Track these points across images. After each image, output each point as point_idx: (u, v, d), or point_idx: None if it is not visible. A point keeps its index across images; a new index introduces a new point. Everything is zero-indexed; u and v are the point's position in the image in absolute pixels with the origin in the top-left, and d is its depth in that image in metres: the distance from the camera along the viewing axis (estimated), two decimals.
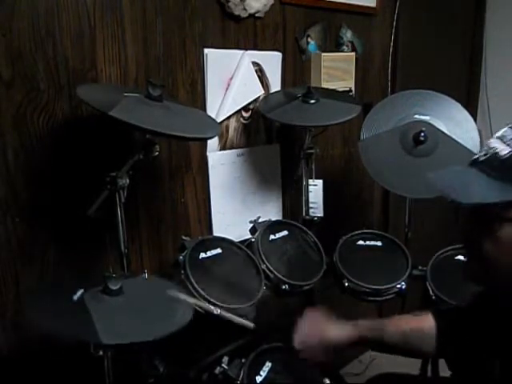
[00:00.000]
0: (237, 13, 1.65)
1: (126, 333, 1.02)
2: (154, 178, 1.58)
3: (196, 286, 1.32)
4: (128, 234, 1.33)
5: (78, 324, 1.01)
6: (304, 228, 1.76)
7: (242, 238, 1.67)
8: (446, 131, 1.74)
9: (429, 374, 1.74)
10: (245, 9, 1.66)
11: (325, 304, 1.28)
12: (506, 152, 0.81)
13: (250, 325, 1.27)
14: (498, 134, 0.85)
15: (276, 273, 1.52)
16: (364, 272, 1.64)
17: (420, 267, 1.69)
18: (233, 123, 1.76)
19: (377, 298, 1.65)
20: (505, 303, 0.92)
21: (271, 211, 1.95)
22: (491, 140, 0.85)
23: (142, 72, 1.47)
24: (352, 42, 2.18)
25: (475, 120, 1.87)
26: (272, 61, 1.85)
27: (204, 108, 1.65)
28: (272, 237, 1.66)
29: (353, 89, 2.18)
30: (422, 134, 1.67)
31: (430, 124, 1.73)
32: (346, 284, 1.62)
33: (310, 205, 1.83)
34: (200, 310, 1.25)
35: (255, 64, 1.78)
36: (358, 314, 1.22)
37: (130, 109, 1.16)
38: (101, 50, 1.37)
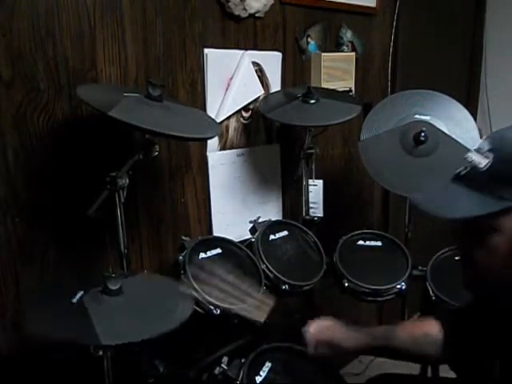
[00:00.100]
0: (237, 13, 1.65)
1: (125, 333, 1.02)
2: (154, 178, 1.58)
3: (196, 286, 1.31)
4: (128, 234, 1.33)
5: (78, 326, 1.01)
6: (304, 228, 1.76)
7: (242, 238, 1.67)
8: (446, 131, 1.74)
9: (429, 374, 1.74)
10: (245, 9, 1.66)
11: (325, 304, 1.28)
12: (484, 164, 0.83)
13: (261, 320, 1.26)
14: (475, 146, 0.88)
15: (276, 273, 1.52)
16: (364, 272, 1.64)
17: (420, 267, 1.69)
18: (233, 123, 1.76)
19: (377, 299, 1.65)
20: (503, 305, 0.92)
21: (271, 211, 1.95)
22: (469, 154, 0.87)
23: (142, 72, 1.47)
24: (352, 42, 2.18)
25: (475, 120, 1.87)
26: (272, 61, 1.85)
27: (204, 108, 1.65)
28: (272, 237, 1.66)
29: (353, 89, 2.18)
30: (423, 134, 1.67)
31: (430, 124, 1.73)
32: (346, 284, 1.62)
33: (310, 205, 1.83)
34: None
35: (255, 64, 1.78)
36: (357, 314, 1.23)
37: (130, 109, 1.16)
38: (101, 50, 1.37)
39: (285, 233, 1.70)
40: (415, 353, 1.15)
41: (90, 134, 1.38)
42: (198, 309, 1.30)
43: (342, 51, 2.14)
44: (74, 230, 1.37)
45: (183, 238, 1.46)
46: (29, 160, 1.28)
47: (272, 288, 1.52)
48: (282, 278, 1.52)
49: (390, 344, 1.14)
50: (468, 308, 1.09)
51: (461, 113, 1.81)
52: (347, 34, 2.15)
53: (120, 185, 1.24)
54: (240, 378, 1.34)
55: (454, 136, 1.72)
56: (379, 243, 1.78)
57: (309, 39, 1.99)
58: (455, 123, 1.78)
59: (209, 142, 1.69)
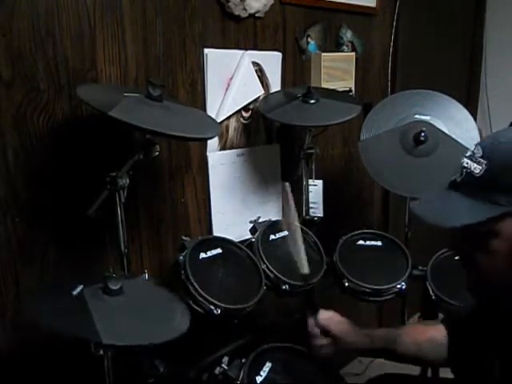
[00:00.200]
0: (237, 13, 1.65)
1: (126, 334, 1.02)
2: (154, 178, 1.58)
3: (196, 285, 1.32)
4: (128, 234, 1.33)
5: (79, 322, 1.01)
6: (304, 228, 1.76)
7: (242, 238, 1.67)
8: (446, 131, 1.74)
9: (429, 374, 1.74)
10: (245, 9, 1.66)
11: (325, 304, 1.27)
12: (479, 170, 0.83)
13: (306, 271, 1.25)
14: (468, 153, 0.88)
15: (276, 273, 1.52)
16: (364, 272, 1.64)
17: (420, 267, 1.69)
18: (233, 123, 1.76)
19: (377, 298, 1.65)
20: (505, 307, 0.93)
21: (271, 211, 1.95)
22: (463, 160, 0.87)
23: (142, 72, 1.47)
24: (352, 42, 2.18)
25: (475, 120, 1.87)
26: (272, 61, 1.85)
27: (204, 108, 1.65)
28: (272, 237, 1.66)
29: (353, 89, 2.18)
30: (423, 134, 1.67)
31: (430, 124, 1.73)
32: (346, 284, 1.62)
33: (310, 205, 1.83)
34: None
35: (255, 64, 1.78)
36: (358, 314, 1.23)
37: (130, 109, 1.16)
38: (101, 50, 1.37)
39: (285, 233, 1.70)
40: (419, 358, 1.15)
41: (90, 133, 1.38)
42: (198, 309, 1.30)
43: (342, 51, 2.14)
44: (74, 230, 1.37)
45: (183, 238, 1.46)
46: (29, 160, 1.28)
47: (272, 288, 1.52)
48: (282, 277, 1.52)
49: (393, 348, 1.14)
50: (470, 311, 1.09)
51: (461, 113, 1.81)
52: (347, 34, 2.15)
53: (120, 185, 1.24)
54: (240, 378, 1.34)
55: (453, 136, 1.72)
56: (379, 243, 1.78)
57: (309, 39, 1.99)
58: (455, 123, 1.78)
59: (209, 142, 1.69)
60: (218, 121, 1.67)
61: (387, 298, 1.64)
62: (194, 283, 1.32)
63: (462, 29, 2.98)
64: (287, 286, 1.52)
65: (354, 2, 2.12)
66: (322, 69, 2.00)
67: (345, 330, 1.17)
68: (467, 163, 0.86)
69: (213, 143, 1.71)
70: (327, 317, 1.19)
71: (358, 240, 1.79)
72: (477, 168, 0.84)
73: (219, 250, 1.50)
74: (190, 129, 1.30)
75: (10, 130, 1.24)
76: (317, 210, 1.84)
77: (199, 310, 1.31)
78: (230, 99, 1.71)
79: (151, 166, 1.55)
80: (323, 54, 2.00)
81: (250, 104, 1.79)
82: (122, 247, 1.31)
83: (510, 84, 2.94)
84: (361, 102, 1.90)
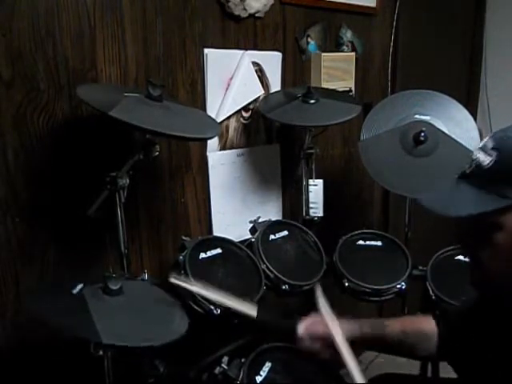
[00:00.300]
0: (237, 13, 1.65)
1: (125, 334, 1.02)
2: (154, 178, 1.58)
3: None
4: (128, 234, 1.33)
5: (79, 321, 1.01)
6: (304, 228, 1.76)
7: (242, 238, 1.67)
8: (446, 131, 1.74)
9: (429, 374, 1.74)
10: (245, 9, 1.66)
11: None
12: (488, 162, 0.83)
13: (253, 313, 1.22)
14: (480, 144, 0.87)
15: (276, 273, 1.52)
16: (364, 272, 1.64)
17: (420, 267, 1.69)
18: (233, 123, 1.76)
19: (377, 298, 1.64)
20: (508, 304, 0.92)
21: (271, 211, 1.95)
22: (475, 151, 0.87)
23: (142, 72, 1.47)
24: (352, 42, 2.18)
25: (475, 120, 1.87)
26: (272, 61, 1.85)
27: (204, 108, 1.65)
28: (272, 237, 1.66)
29: (353, 89, 2.18)
30: (423, 134, 1.67)
31: (430, 124, 1.73)
32: (346, 284, 1.62)
33: (310, 205, 1.83)
34: (200, 298, 1.25)
35: (255, 64, 1.78)
36: (358, 314, 1.22)
37: (130, 109, 1.16)
38: (101, 50, 1.37)
39: (285, 233, 1.70)
40: (406, 347, 1.15)
41: (90, 133, 1.38)
42: (198, 309, 1.30)
43: (342, 51, 2.14)
44: (74, 230, 1.37)
45: (183, 237, 1.46)
46: (29, 160, 1.28)
47: (272, 288, 1.52)
48: (282, 277, 1.52)
49: (380, 336, 1.14)
50: (470, 307, 1.09)
51: (461, 113, 1.81)
52: (347, 34, 2.15)
53: (120, 185, 1.24)
54: (240, 378, 1.34)
55: (453, 136, 1.72)
56: (379, 243, 1.78)
57: (309, 39, 1.99)
58: (455, 123, 1.78)
59: (209, 142, 1.69)
60: (218, 121, 1.67)
61: (387, 297, 1.64)
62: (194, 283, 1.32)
63: (461, 29, 2.97)
64: (287, 285, 1.52)
65: (354, 2, 2.12)
66: (322, 69, 2.00)
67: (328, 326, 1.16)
68: (477, 154, 0.85)
69: (213, 143, 1.71)
70: (308, 323, 1.18)
71: (358, 240, 1.79)
72: (486, 159, 0.83)
73: (219, 250, 1.50)
74: (190, 129, 1.30)
75: (10, 130, 1.24)
76: (317, 210, 1.84)
77: (199, 310, 1.31)
78: (230, 99, 1.71)
79: (151, 166, 1.55)
80: (323, 54, 2.00)
81: (250, 104, 1.79)
82: (122, 247, 1.31)
83: (510, 84, 2.94)
84: (361, 102, 1.90)
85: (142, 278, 1.34)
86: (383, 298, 1.64)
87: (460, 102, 1.83)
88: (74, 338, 0.99)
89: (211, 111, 1.67)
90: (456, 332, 1.09)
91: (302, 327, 1.16)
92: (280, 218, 1.98)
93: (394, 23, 2.37)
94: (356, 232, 1.80)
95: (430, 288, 1.58)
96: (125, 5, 1.41)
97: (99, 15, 1.35)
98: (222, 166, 1.75)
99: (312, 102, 1.69)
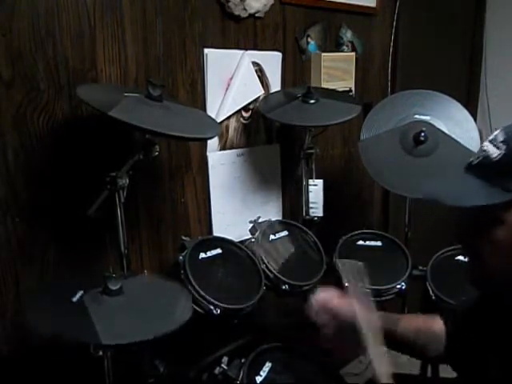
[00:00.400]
0: (237, 13, 1.65)
1: (125, 333, 1.02)
2: (154, 178, 1.58)
3: (196, 286, 1.32)
4: (128, 234, 1.33)
5: (78, 325, 1.01)
6: (304, 228, 1.76)
7: (242, 238, 1.67)
8: (446, 131, 1.74)
9: (429, 374, 1.74)
10: (245, 9, 1.66)
11: None
12: (496, 155, 0.82)
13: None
14: (491, 136, 0.86)
15: (276, 273, 1.52)
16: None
17: (420, 267, 1.68)
18: (233, 123, 1.76)
19: (377, 298, 1.64)
20: (508, 302, 0.92)
21: (271, 211, 1.95)
22: (484, 143, 0.85)
23: (142, 72, 1.47)
24: (352, 42, 2.18)
25: (475, 120, 1.87)
26: (272, 61, 1.85)
27: (204, 108, 1.65)
28: (272, 237, 1.66)
29: (353, 89, 2.18)
30: (422, 134, 1.67)
31: (430, 124, 1.73)
32: (346, 284, 1.61)
33: (310, 205, 1.83)
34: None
35: (255, 64, 1.78)
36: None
37: (130, 109, 1.16)
38: (101, 50, 1.37)
39: (285, 233, 1.70)
40: (418, 346, 1.14)
41: (90, 134, 1.38)
42: (197, 309, 1.30)
43: (342, 51, 2.14)
44: (74, 230, 1.37)
45: (183, 238, 1.46)
46: (29, 160, 1.28)
47: (272, 288, 1.52)
48: (282, 277, 1.52)
49: (393, 330, 1.12)
50: (472, 307, 1.09)
51: (461, 113, 1.81)
52: (347, 34, 2.15)
53: (120, 185, 1.24)
54: (240, 378, 1.34)
55: (453, 136, 1.72)
56: (379, 243, 1.78)
57: (309, 39, 1.99)
58: (455, 123, 1.78)
59: (209, 142, 1.69)
60: (218, 121, 1.67)
61: (387, 298, 1.64)
62: (194, 283, 1.32)
63: (461, 29, 2.97)
64: (287, 285, 1.52)
65: (354, 2, 2.12)
66: (322, 69, 2.00)
67: (345, 304, 1.14)
68: (486, 146, 0.84)
69: (213, 143, 1.71)
70: (326, 293, 1.14)
71: (358, 240, 1.79)
72: (495, 152, 0.82)
73: (219, 250, 1.50)
74: (190, 129, 1.30)
75: (10, 130, 1.24)
76: (317, 210, 1.84)
77: (199, 310, 1.31)
78: (230, 99, 1.71)
79: (151, 166, 1.55)
80: (323, 54, 2.00)
81: (250, 104, 1.79)
82: (122, 247, 1.31)
83: (510, 84, 2.94)
84: (361, 102, 1.90)
85: (141, 277, 1.34)
86: (383, 298, 1.64)
87: (460, 102, 1.83)
88: (75, 343, 0.99)
89: (211, 111, 1.67)
90: (459, 332, 1.09)
91: (318, 297, 1.13)
92: (280, 217, 1.98)
93: (394, 23, 2.37)
94: (356, 232, 1.80)
95: (429, 288, 1.58)
96: (125, 5, 1.41)
97: (99, 15, 1.35)
98: (221, 165, 1.75)
99: (312, 102, 1.69)
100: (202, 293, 1.31)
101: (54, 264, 1.35)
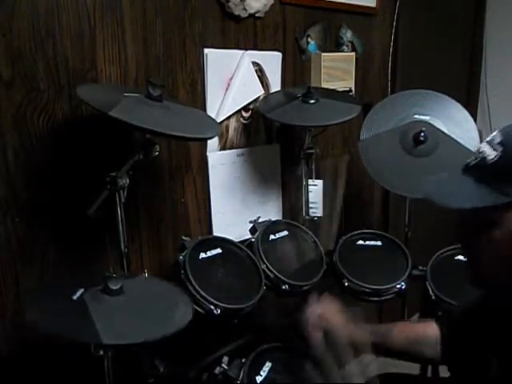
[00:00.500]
0: (237, 13, 1.65)
1: (126, 333, 1.02)
2: (154, 178, 1.58)
3: (196, 286, 1.32)
4: (128, 234, 1.33)
5: (78, 324, 1.01)
6: (304, 228, 1.76)
7: (242, 238, 1.67)
8: (445, 131, 1.74)
9: (429, 374, 1.74)
10: (245, 9, 1.66)
11: None
12: (493, 156, 0.82)
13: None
14: (488, 138, 0.85)
15: (276, 273, 1.52)
16: (364, 272, 1.64)
17: (420, 267, 1.69)
18: (233, 123, 1.76)
19: (377, 298, 1.65)
20: (504, 303, 0.92)
21: (271, 211, 1.95)
22: (481, 144, 0.85)
23: (142, 72, 1.47)
24: (352, 42, 2.18)
25: (475, 120, 1.88)
26: (272, 61, 1.85)
27: (204, 108, 1.65)
28: (272, 237, 1.66)
29: (353, 89, 2.18)
30: (422, 134, 1.67)
31: (430, 124, 1.73)
32: (346, 284, 1.62)
33: (310, 205, 1.83)
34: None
35: (255, 64, 1.78)
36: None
37: (130, 109, 1.16)
38: (101, 50, 1.37)
39: (285, 233, 1.70)
40: (410, 354, 1.15)
41: (90, 133, 1.38)
42: (198, 309, 1.30)
43: (342, 51, 2.14)
44: (74, 230, 1.37)
45: (183, 237, 1.46)
46: (29, 160, 1.28)
47: (272, 288, 1.52)
48: (282, 278, 1.52)
49: (385, 343, 1.14)
50: (471, 307, 1.09)
51: (460, 113, 1.81)
52: (347, 34, 2.15)
53: (120, 185, 1.24)
54: (240, 378, 1.34)
55: (453, 136, 1.72)
56: (379, 243, 1.78)
57: (309, 39, 1.99)
58: (455, 123, 1.78)
59: (209, 142, 1.69)
60: (218, 121, 1.67)
61: (387, 297, 1.64)
62: (194, 283, 1.32)
63: (462, 29, 2.98)
64: (287, 285, 1.52)
65: (354, 2, 2.12)
66: (322, 69, 2.00)
67: (340, 322, 1.14)
68: (483, 148, 0.84)
69: (213, 143, 1.71)
70: (325, 306, 1.15)
71: (358, 240, 1.79)
72: (491, 154, 0.82)
73: (219, 250, 1.50)
74: (190, 129, 1.30)
75: (10, 130, 1.24)
76: (317, 210, 1.84)
77: (199, 309, 1.31)
78: (230, 99, 1.71)
79: (151, 166, 1.55)
80: (323, 54, 2.00)
81: (250, 104, 1.79)
82: (122, 247, 1.31)
83: (510, 84, 2.94)
84: (361, 102, 1.90)
85: (142, 277, 1.34)
86: (383, 298, 1.64)
87: (460, 102, 1.83)
88: (75, 343, 0.99)
89: (211, 111, 1.67)
90: (457, 333, 1.09)
91: (312, 312, 1.14)
92: (280, 218, 1.98)
93: (394, 23, 2.37)
94: (356, 232, 1.80)
95: (429, 288, 1.58)
96: (125, 5, 1.41)
97: (99, 15, 1.35)
98: (221, 165, 1.75)
99: (312, 102, 1.69)
100: (203, 293, 1.31)
101: (54, 264, 1.35)
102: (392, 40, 2.39)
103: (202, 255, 1.45)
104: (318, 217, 1.83)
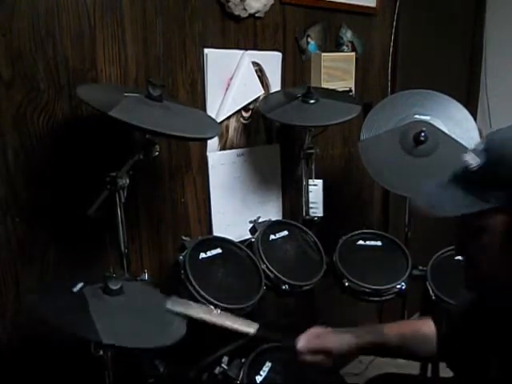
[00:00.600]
0: (237, 13, 1.65)
1: (125, 334, 1.02)
2: (154, 178, 1.58)
3: (196, 285, 1.32)
4: (128, 234, 1.33)
5: (79, 319, 1.01)
6: (304, 228, 1.76)
7: (242, 238, 1.67)
8: (446, 131, 1.74)
9: (429, 374, 1.74)
10: (245, 9, 1.66)
11: (325, 304, 1.27)
12: (474, 165, 0.84)
13: (251, 330, 1.22)
14: (474, 146, 0.87)
15: (276, 273, 1.52)
16: (364, 272, 1.64)
17: (420, 267, 1.69)
18: (233, 123, 1.76)
19: (377, 298, 1.65)
20: (504, 303, 0.93)
21: (271, 211, 1.95)
22: (467, 153, 0.87)
23: (142, 72, 1.47)
24: (352, 42, 2.18)
25: (475, 120, 1.87)
26: (272, 61, 1.85)
27: (204, 108, 1.65)
28: (272, 237, 1.66)
29: (353, 89, 2.18)
30: (423, 134, 1.67)
31: (430, 124, 1.73)
32: (346, 284, 1.62)
33: (310, 205, 1.83)
34: (199, 319, 1.24)
35: (255, 64, 1.78)
36: (357, 314, 1.22)
37: (130, 109, 1.16)
38: (101, 50, 1.37)
39: (285, 233, 1.70)
40: (404, 350, 1.15)
41: (90, 133, 1.38)
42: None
43: (342, 51, 2.14)
44: (74, 230, 1.37)
45: (183, 237, 1.46)
46: (29, 160, 1.28)
47: (272, 288, 1.52)
48: (282, 277, 1.52)
49: (378, 342, 1.14)
50: (467, 307, 1.09)
51: (461, 113, 1.81)
52: (347, 34, 2.15)
53: (120, 185, 1.24)
54: (240, 378, 1.34)
55: (453, 136, 1.72)
56: (379, 243, 1.78)
57: (309, 39, 1.99)
58: (455, 123, 1.78)
59: (209, 142, 1.69)
60: (218, 121, 1.67)
61: (387, 297, 1.64)
62: (194, 283, 1.32)
63: (462, 29, 2.98)
64: (287, 285, 1.52)
65: (354, 2, 2.12)
66: (322, 69, 2.00)
67: (330, 340, 1.16)
68: (467, 156, 0.85)
69: (213, 143, 1.71)
70: (306, 339, 1.17)
71: (358, 240, 1.79)
72: (474, 162, 0.84)
73: (219, 250, 1.50)
74: (190, 129, 1.30)
75: (10, 130, 1.24)
76: (317, 209, 1.84)
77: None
78: (230, 99, 1.71)
79: (151, 166, 1.55)
80: (323, 54, 2.00)
81: (250, 104, 1.79)
82: (122, 247, 1.31)
83: (510, 84, 2.94)
84: (361, 102, 1.90)
85: (141, 278, 1.34)
86: (383, 298, 1.64)
87: (460, 101, 1.83)
88: (74, 337, 0.99)
89: (211, 111, 1.67)
90: (455, 332, 1.09)
91: (302, 342, 1.16)
92: (280, 218, 1.98)
93: (394, 23, 2.37)
94: (356, 232, 1.80)
95: (429, 288, 1.58)
96: (125, 5, 1.41)
97: (99, 15, 1.35)
98: (221, 165, 1.75)
99: (312, 102, 1.69)
100: (202, 293, 1.31)
101: (54, 264, 1.35)
102: (392, 40, 2.39)
103: (202, 255, 1.45)
104: (318, 217, 1.83)
